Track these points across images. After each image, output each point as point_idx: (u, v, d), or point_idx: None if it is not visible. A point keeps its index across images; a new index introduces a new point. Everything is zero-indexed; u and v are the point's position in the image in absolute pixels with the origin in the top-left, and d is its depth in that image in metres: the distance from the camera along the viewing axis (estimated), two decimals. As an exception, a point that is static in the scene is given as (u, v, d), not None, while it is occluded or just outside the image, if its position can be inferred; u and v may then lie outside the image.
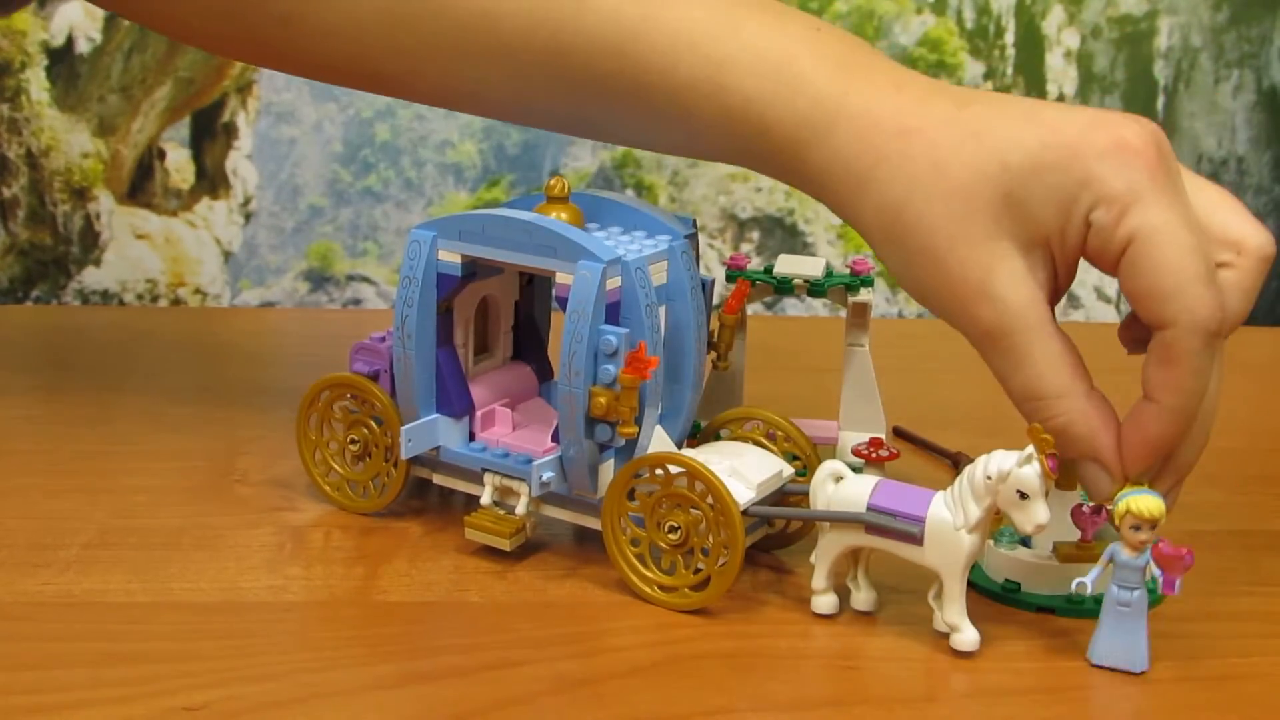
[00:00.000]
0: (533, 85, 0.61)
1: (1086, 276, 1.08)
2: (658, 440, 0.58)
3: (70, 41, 1.00)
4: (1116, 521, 0.51)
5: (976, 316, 0.53)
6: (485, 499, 0.60)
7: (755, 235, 1.06)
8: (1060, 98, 1.06)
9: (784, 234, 1.06)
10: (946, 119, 0.54)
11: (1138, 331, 0.55)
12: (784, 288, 0.69)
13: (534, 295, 0.65)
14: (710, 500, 0.54)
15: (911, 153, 0.53)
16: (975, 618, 0.53)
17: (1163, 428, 0.52)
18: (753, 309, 0.69)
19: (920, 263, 0.54)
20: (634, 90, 0.59)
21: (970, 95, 0.55)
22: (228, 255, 1.04)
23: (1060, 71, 1.05)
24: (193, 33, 0.69)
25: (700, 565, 0.55)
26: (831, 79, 0.56)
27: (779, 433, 0.61)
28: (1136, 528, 0.51)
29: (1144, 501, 0.51)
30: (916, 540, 0.52)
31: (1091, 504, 0.57)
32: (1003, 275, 0.52)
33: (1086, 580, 0.52)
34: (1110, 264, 0.52)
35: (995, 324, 0.53)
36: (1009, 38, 1.05)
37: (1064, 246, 0.53)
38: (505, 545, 0.59)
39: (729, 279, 0.68)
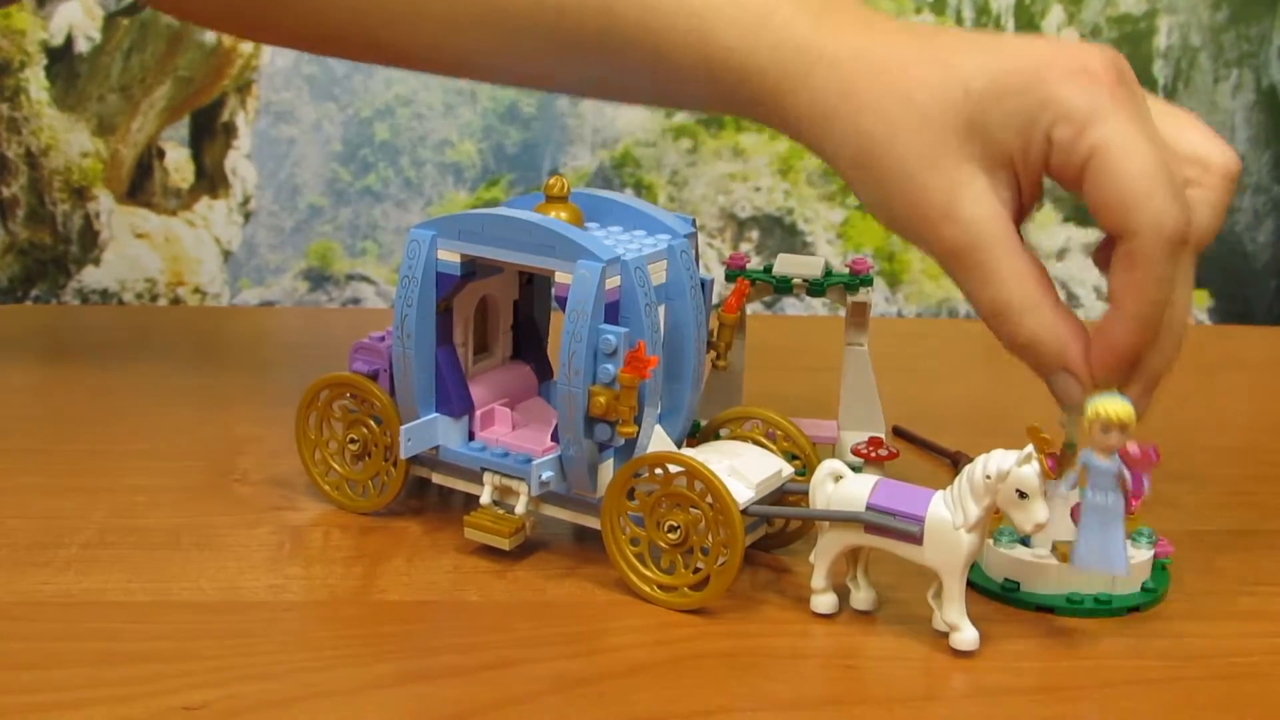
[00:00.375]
0: (523, 48, 0.63)
1: (1086, 276, 1.08)
2: (657, 440, 0.58)
3: (70, 41, 1.00)
4: (1087, 426, 0.52)
5: (943, 236, 0.55)
6: (485, 498, 0.60)
7: (755, 234, 1.06)
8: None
9: (783, 233, 1.06)
10: (914, 52, 0.56)
11: (1110, 254, 0.56)
12: (783, 287, 0.69)
13: (533, 294, 0.65)
14: (709, 499, 0.54)
15: (881, 87, 0.56)
16: (975, 617, 0.53)
17: (1127, 334, 0.53)
18: (752, 308, 0.69)
19: (889, 188, 0.56)
20: (621, 47, 0.61)
21: (937, 30, 0.58)
22: (227, 254, 1.04)
23: (1060, 71, 1.05)
24: (187, 6, 0.71)
25: (699, 564, 0.55)
26: (809, 27, 0.58)
27: (778, 432, 0.61)
28: (1106, 431, 0.52)
29: (1112, 405, 0.52)
30: (916, 539, 0.52)
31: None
32: (967, 196, 0.54)
33: (1060, 485, 0.53)
34: (1073, 179, 0.53)
35: (961, 242, 0.54)
36: (1008, 37, 1.05)
37: (1027, 167, 0.54)
38: (504, 544, 0.59)
39: (728, 278, 0.68)
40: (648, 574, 0.56)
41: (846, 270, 0.68)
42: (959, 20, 1.04)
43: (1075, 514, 0.57)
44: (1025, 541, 0.58)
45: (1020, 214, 0.56)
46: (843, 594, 0.56)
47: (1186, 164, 0.56)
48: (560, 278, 0.56)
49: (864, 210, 0.58)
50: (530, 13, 0.62)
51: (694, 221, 0.61)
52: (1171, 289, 0.53)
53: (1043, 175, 0.55)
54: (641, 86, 0.65)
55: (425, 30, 0.64)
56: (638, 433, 0.56)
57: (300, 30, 0.69)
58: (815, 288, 0.68)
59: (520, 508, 0.59)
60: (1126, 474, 0.52)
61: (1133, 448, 0.53)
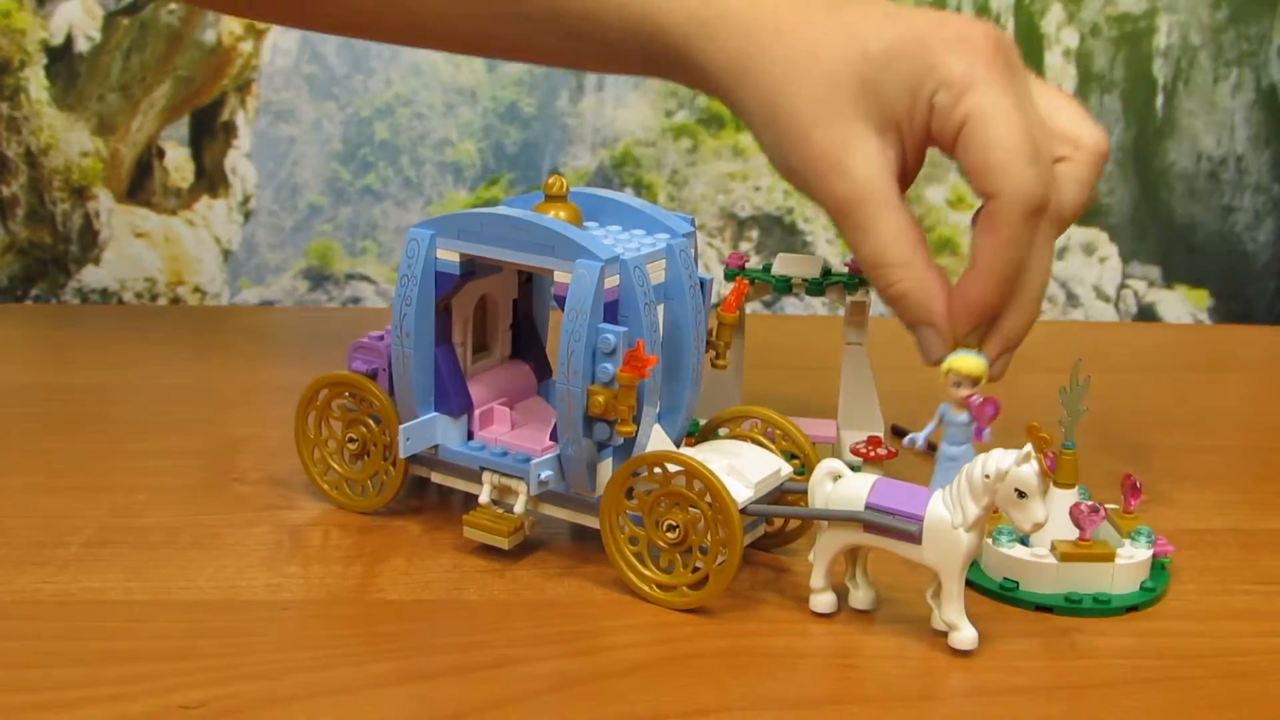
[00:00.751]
0: (465, 13, 0.69)
1: (1086, 275, 1.08)
2: (656, 439, 0.58)
3: (69, 40, 1.00)
4: (943, 380, 0.56)
5: (833, 189, 0.58)
6: (484, 497, 0.60)
7: (754, 234, 1.06)
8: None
9: (783, 233, 1.06)
10: (820, 15, 0.60)
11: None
12: (782, 286, 0.69)
13: (532, 294, 0.65)
14: (708, 499, 0.54)
15: (787, 45, 0.59)
16: (973, 616, 0.53)
17: (982, 290, 0.57)
18: (752, 307, 0.69)
19: (788, 142, 0.59)
20: (553, 13, 0.66)
21: (843, 1, 0.61)
22: (227, 254, 1.04)
23: (1059, 70, 1.05)
24: None
25: (698, 564, 0.55)
26: None
27: (777, 431, 0.61)
28: (958, 385, 0.56)
29: (966, 361, 0.56)
30: (915, 539, 0.52)
31: (1090, 503, 0.57)
32: (857, 153, 0.58)
33: (917, 437, 0.57)
34: (949, 142, 0.57)
35: (848, 196, 0.58)
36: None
37: (912, 129, 0.58)
38: (504, 544, 0.59)
39: (727, 277, 0.68)
40: (647, 573, 0.56)
41: (845, 270, 0.68)
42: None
43: (1074, 514, 0.57)
44: (1024, 541, 0.58)
45: (905, 177, 0.60)
46: (841, 593, 0.56)
47: (1059, 141, 0.59)
48: (559, 277, 0.56)
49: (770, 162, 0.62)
50: None
51: (693, 221, 0.61)
52: (1026, 251, 0.57)
53: (926, 137, 0.59)
54: (577, 51, 0.69)
55: None
56: (636, 432, 0.56)
57: None
58: (814, 287, 0.68)
59: (519, 507, 0.59)
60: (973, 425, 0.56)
61: (975, 399, 0.56)
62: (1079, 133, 0.60)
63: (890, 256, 0.58)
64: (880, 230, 0.58)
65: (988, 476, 0.51)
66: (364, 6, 0.72)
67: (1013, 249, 0.56)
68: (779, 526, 0.60)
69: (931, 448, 0.59)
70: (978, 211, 0.58)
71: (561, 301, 0.56)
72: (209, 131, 1.02)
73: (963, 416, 0.57)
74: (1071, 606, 0.56)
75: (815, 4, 0.61)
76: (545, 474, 0.57)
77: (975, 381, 0.56)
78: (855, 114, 0.58)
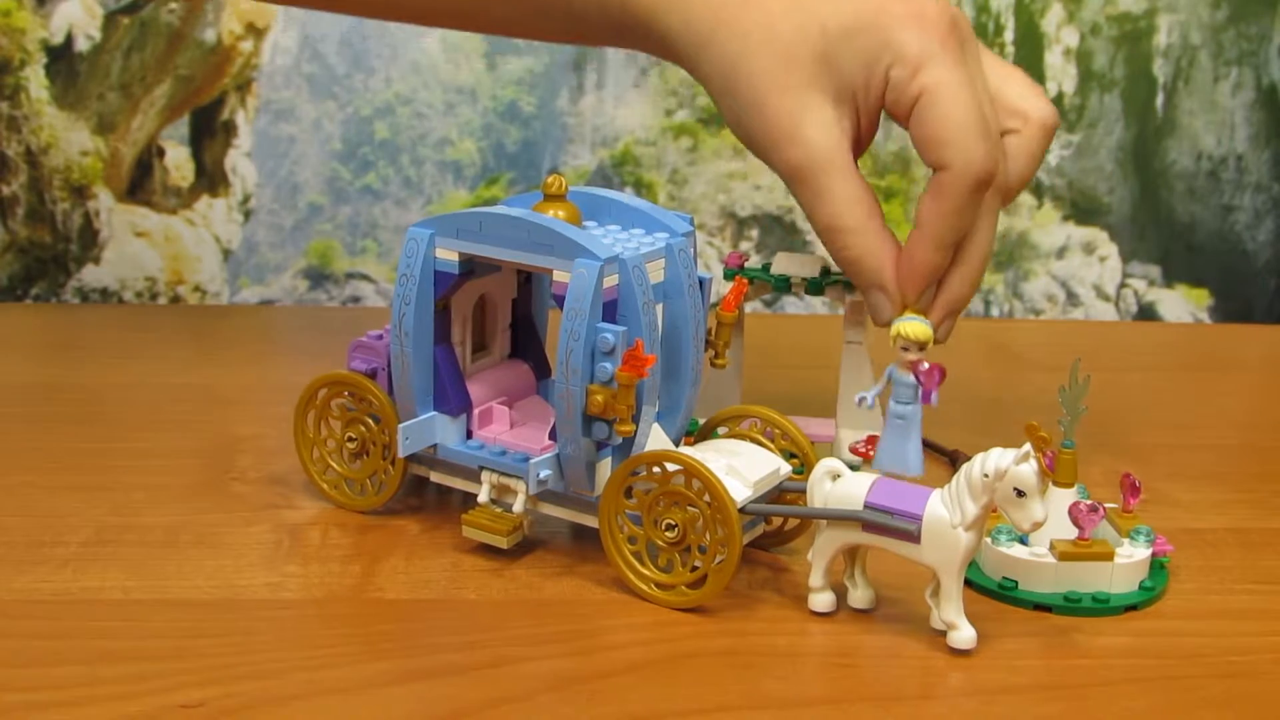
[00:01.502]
0: None
1: (1086, 274, 1.08)
2: (655, 438, 0.58)
3: (69, 39, 0.99)
4: (891, 344, 0.59)
5: (788, 156, 0.61)
6: (482, 497, 0.60)
7: (754, 233, 1.06)
8: (1060, 95, 1.05)
9: (783, 232, 1.06)
10: None
11: None
12: (781, 285, 0.69)
13: (531, 293, 0.65)
14: (707, 498, 0.54)
15: (748, 17, 0.62)
16: (972, 616, 0.53)
17: (925, 253, 0.60)
18: (752, 306, 0.69)
19: (747, 110, 0.62)
20: None
21: None
22: (227, 253, 1.04)
23: (1059, 69, 1.05)
24: None
25: (697, 563, 0.55)
26: None
27: (776, 430, 0.61)
28: (905, 349, 0.59)
29: (912, 326, 0.59)
30: (914, 538, 0.52)
31: (1089, 502, 0.57)
32: (813, 121, 0.60)
33: (867, 395, 0.59)
34: (904, 115, 0.60)
35: (803, 163, 0.60)
36: (1008, 35, 1.05)
37: (867, 101, 0.61)
38: (502, 543, 0.59)
39: (726, 277, 0.68)
40: (645, 572, 0.56)
41: (845, 269, 0.68)
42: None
43: (1073, 513, 0.57)
44: (1023, 540, 0.58)
45: (859, 146, 0.62)
46: (840, 592, 0.56)
47: (1008, 114, 0.62)
48: (558, 276, 0.56)
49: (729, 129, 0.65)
50: None
51: (692, 220, 0.61)
52: (971, 221, 0.60)
53: (880, 110, 0.61)
54: (547, 24, 0.71)
55: None
56: (635, 431, 0.56)
57: None
58: (813, 286, 0.68)
59: (518, 506, 0.59)
60: (921, 388, 0.59)
61: (922, 365, 0.59)
62: (1027, 106, 0.62)
63: (844, 221, 0.60)
64: (834, 196, 0.60)
65: (986, 475, 0.51)
66: None
67: (956, 218, 0.59)
68: (778, 526, 0.60)
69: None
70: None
71: (560, 301, 0.56)
72: (209, 131, 1.02)
73: (910, 378, 0.59)
74: (1070, 606, 0.56)
75: None
76: (544, 473, 0.57)
77: (922, 346, 0.59)
78: (811, 85, 0.60)
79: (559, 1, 0.67)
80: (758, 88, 0.61)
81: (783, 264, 0.70)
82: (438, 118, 1.03)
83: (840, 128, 0.61)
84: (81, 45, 1.00)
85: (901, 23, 0.59)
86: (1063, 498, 0.58)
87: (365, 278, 1.05)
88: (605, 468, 0.58)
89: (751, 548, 0.60)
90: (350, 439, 0.63)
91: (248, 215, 1.03)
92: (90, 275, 1.02)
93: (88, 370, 0.84)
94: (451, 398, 0.60)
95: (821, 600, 0.55)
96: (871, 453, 0.66)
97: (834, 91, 0.60)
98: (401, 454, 0.59)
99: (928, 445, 0.74)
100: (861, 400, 0.58)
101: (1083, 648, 0.54)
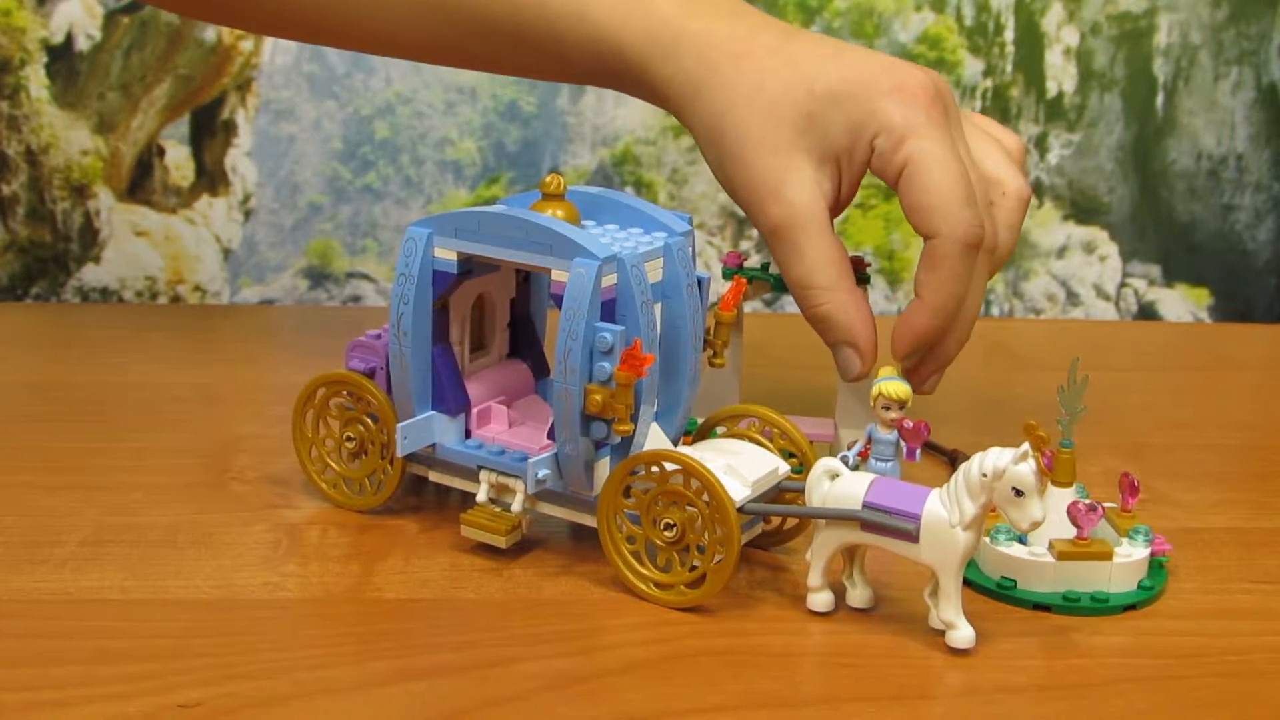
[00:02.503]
0: (421, 24, 0.71)
1: (1086, 274, 1.08)
2: (653, 437, 0.58)
3: (70, 39, 1.00)
4: (871, 404, 0.60)
5: (769, 212, 0.62)
6: (481, 496, 0.60)
7: (754, 232, 1.05)
8: (1059, 95, 1.05)
9: (783, 231, 1.06)
10: (771, 47, 0.63)
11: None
12: (780, 285, 0.68)
13: (530, 292, 0.65)
14: (706, 497, 0.54)
15: (739, 71, 0.63)
16: (971, 615, 0.53)
17: (927, 321, 0.62)
18: (752, 306, 0.69)
19: (732, 163, 0.63)
20: (513, 27, 0.68)
21: (794, 31, 0.65)
22: (227, 252, 1.04)
23: (1060, 69, 1.05)
24: None
25: (696, 562, 0.55)
26: (676, 5, 0.65)
27: (775, 430, 0.61)
28: (887, 408, 0.59)
29: (892, 386, 0.59)
30: (912, 537, 0.52)
31: (1088, 501, 0.57)
32: (794, 181, 0.62)
33: (848, 454, 0.60)
34: (890, 182, 0.62)
35: (782, 221, 0.62)
36: (1008, 35, 1.05)
37: (850, 165, 0.62)
38: (501, 542, 0.59)
39: (725, 276, 0.68)
40: (644, 572, 0.56)
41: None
42: (959, 18, 1.04)
43: (1072, 513, 0.57)
44: (1022, 539, 0.58)
45: (837, 206, 0.64)
46: (839, 592, 0.56)
47: (990, 184, 0.64)
48: (557, 275, 0.56)
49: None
50: None
51: (690, 219, 0.61)
52: (967, 286, 0.61)
53: (862, 174, 0.63)
54: (536, 63, 0.72)
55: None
56: (634, 431, 0.56)
57: None
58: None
59: (516, 505, 0.59)
60: (904, 445, 0.60)
61: (907, 423, 0.60)
62: (1004, 177, 0.64)
63: (818, 279, 0.62)
64: (810, 255, 0.62)
65: (985, 475, 0.51)
66: (319, 15, 0.73)
67: (954, 284, 0.61)
68: (776, 525, 0.60)
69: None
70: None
71: (559, 300, 0.56)
72: (209, 130, 1.02)
73: (890, 435, 0.60)
74: (1069, 605, 0.56)
75: (769, 32, 0.64)
76: (542, 473, 0.57)
77: (902, 404, 0.59)
78: (796, 145, 0.62)
79: (546, 42, 0.68)
80: (744, 143, 0.62)
81: (782, 263, 0.69)
82: (438, 117, 1.03)
83: (821, 189, 0.62)
84: (82, 45, 1.00)
85: (886, 94, 0.61)
86: (1061, 497, 0.58)
87: (365, 277, 1.05)
88: (604, 467, 0.58)
89: (750, 547, 0.60)
90: (349, 438, 0.63)
91: (248, 215, 1.03)
92: (90, 275, 1.02)
93: (88, 370, 0.84)
94: (450, 397, 0.60)
95: (820, 600, 0.55)
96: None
97: (817, 153, 0.62)
98: (400, 453, 0.59)
99: (928, 445, 0.74)
100: (844, 458, 0.59)
101: (1081, 647, 0.54)
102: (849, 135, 0.61)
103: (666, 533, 0.55)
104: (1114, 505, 0.61)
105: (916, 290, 0.62)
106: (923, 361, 0.64)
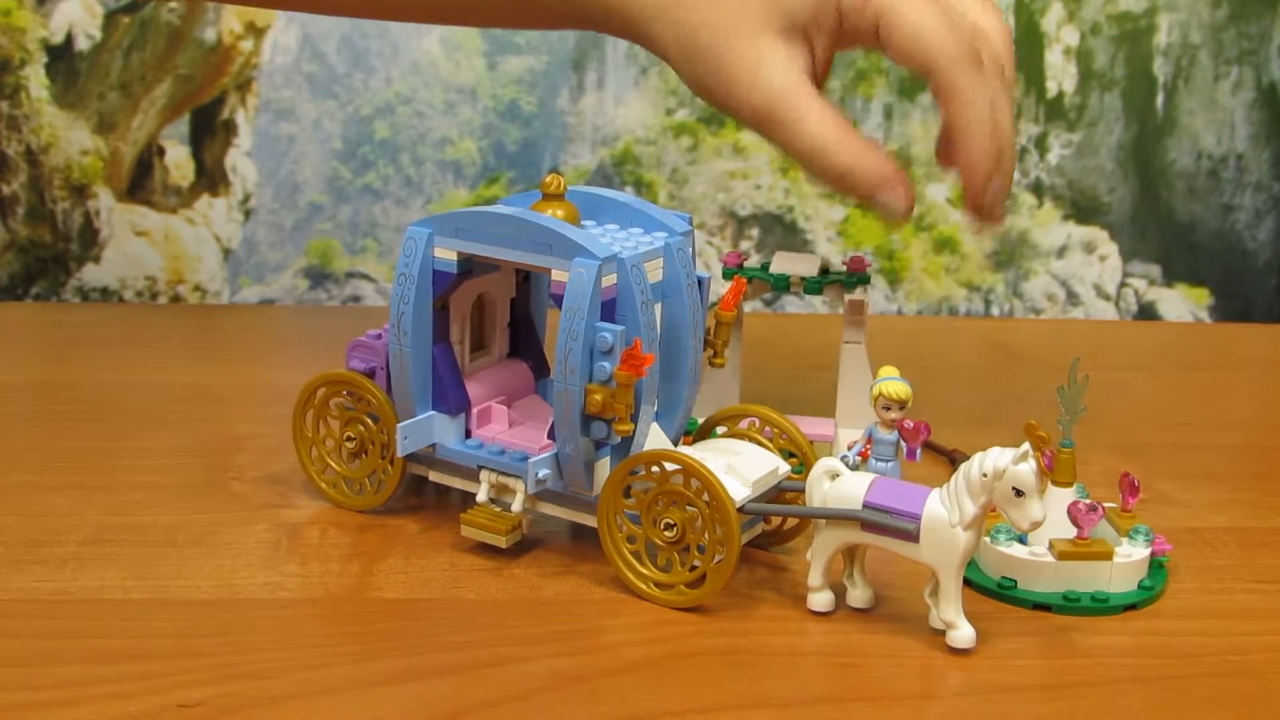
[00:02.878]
0: None
1: (1086, 274, 1.08)
2: (653, 437, 0.58)
3: (70, 39, 0.99)
4: (872, 404, 0.60)
5: (752, 100, 0.62)
6: (481, 496, 0.60)
7: (754, 232, 1.05)
8: (1059, 95, 1.05)
9: (783, 231, 1.06)
10: None
11: (943, 147, 0.64)
12: (779, 285, 0.68)
13: (530, 292, 0.65)
14: (706, 497, 0.54)
15: None
16: (971, 615, 0.53)
17: (978, 146, 0.60)
18: (752, 306, 0.69)
19: (704, 63, 0.63)
20: None
21: None
22: (227, 252, 1.04)
23: (1060, 68, 1.05)
24: None
25: (696, 562, 0.55)
26: None
27: (775, 430, 0.61)
28: (887, 408, 0.60)
29: (892, 386, 0.60)
30: (912, 537, 0.52)
31: (1088, 501, 0.57)
32: (769, 62, 0.62)
33: (849, 454, 0.60)
34: (870, 40, 0.62)
35: (767, 102, 0.62)
36: (1008, 35, 1.05)
37: (820, 32, 0.62)
38: (501, 542, 0.59)
39: (725, 276, 0.68)
40: (644, 571, 0.56)
41: (844, 268, 0.68)
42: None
43: (1072, 513, 0.57)
44: (1022, 539, 0.58)
45: (816, 79, 0.63)
46: (839, 592, 0.56)
47: (976, 35, 0.62)
48: (557, 275, 0.56)
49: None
50: None
51: (690, 219, 0.61)
52: (987, 94, 0.60)
53: (834, 43, 0.63)
54: (502, 9, 0.72)
55: None
56: (634, 430, 0.56)
57: None
58: (812, 285, 0.68)
59: (517, 505, 0.59)
60: (904, 445, 0.60)
61: (907, 423, 0.60)
62: (984, 24, 0.63)
63: (823, 139, 0.61)
64: (809, 121, 0.61)
65: (985, 475, 0.51)
66: None
67: (977, 103, 0.60)
68: (777, 525, 0.60)
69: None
70: (938, 146, 0.63)
71: (559, 300, 0.56)
72: (209, 130, 1.02)
73: (890, 435, 0.60)
74: (1069, 605, 0.56)
75: None
76: (543, 472, 0.57)
77: (903, 405, 0.59)
78: (764, 28, 0.62)
79: None
80: (712, 40, 0.62)
81: (782, 263, 0.69)
82: (438, 117, 1.03)
83: (794, 62, 0.62)
84: (82, 44, 1.00)
85: None
86: (1061, 497, 0.58)
87: (365, 277, 1.04)
88: (604, 467, 0.58)
89: (750, 547, 0.60)
90: (349, 438, 0.63)
91: (248, 214, 1.03)
92: (90, 274, 1.02)
93: (88, 370, 0.84)
94: (450, 397, 0.60)
95: (820, 599, 0.55)
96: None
97: (784, 29, 0.62)
98: (400, 453, 0.59)
99: (928, 445, 0.74)
100: (844, 458, 0.59)
101: (1082, 647, 0.54)
102: (812, 4, 0.62)
103: (667, 533, 0.55)
104: (1114, 505, 0.61)
105: (949, 126, 0.61)
106: (992, 180, 0.61)
